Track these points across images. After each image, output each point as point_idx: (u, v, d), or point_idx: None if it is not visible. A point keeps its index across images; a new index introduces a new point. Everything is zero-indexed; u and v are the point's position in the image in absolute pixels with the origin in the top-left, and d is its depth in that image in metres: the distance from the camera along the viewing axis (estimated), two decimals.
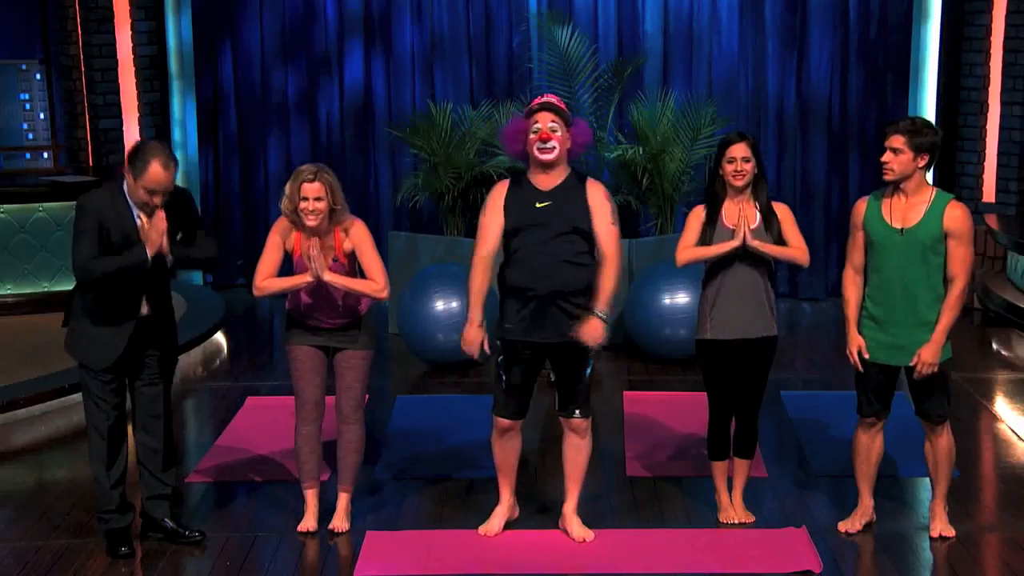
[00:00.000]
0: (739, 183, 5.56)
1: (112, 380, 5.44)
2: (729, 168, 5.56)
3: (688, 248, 5.65)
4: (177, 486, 5.79)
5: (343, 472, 5.80)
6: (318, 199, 5.40)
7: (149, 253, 5.22)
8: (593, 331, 5.35)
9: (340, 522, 5.77)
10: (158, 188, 5.20)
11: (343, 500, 5.81)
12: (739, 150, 5.55)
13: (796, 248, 5.65)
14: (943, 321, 5.36)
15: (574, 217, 5.37)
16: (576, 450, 5.66)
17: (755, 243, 5.53)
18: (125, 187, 5.29)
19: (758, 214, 5.62)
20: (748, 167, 5.55)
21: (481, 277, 5.48)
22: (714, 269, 5.63)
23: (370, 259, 5.51)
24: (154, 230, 5.23)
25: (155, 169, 5.18)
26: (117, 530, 5.55)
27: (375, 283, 5.49)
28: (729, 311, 5.60)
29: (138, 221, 5.29)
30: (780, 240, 5.63)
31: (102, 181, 5.53)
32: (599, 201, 5.43)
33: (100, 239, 5.22)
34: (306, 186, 5.41)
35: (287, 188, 5.47)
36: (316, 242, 5.43)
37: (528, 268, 5.36)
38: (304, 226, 5.47)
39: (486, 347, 5.50)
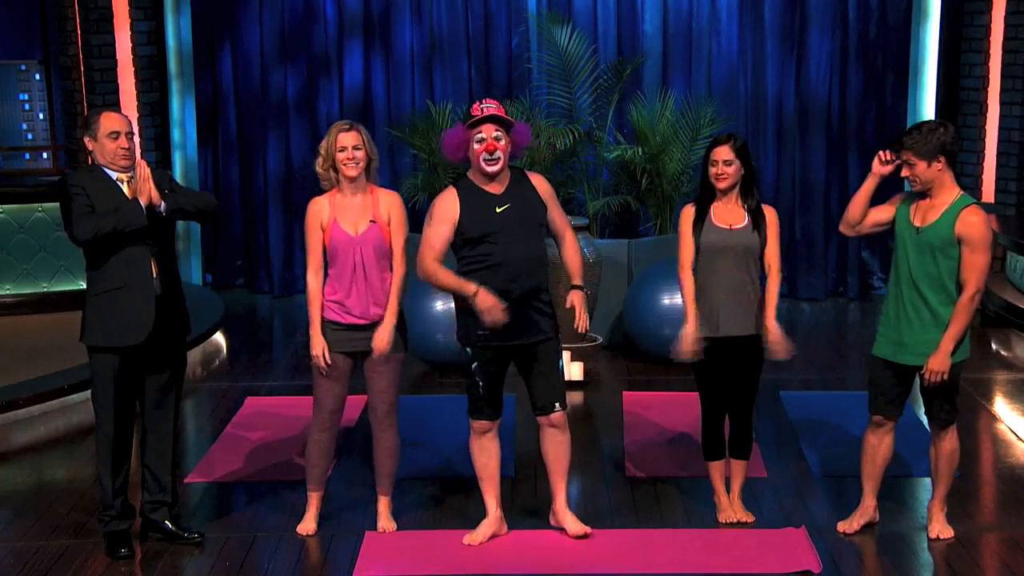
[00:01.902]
0: (721, 185, 5.58)
1: (126, 377, 5.43)
2: (712, 170, 5.59)
3: (689, 267, 5.65)
4: (178, 493, 5.78)
5: (382, 477, 5.78)
6: (356, 148, 5.46)
7: (142, 202, 5.27)
8: (582, 303, 5.48)
9: (387, 523, 5.79)
10: (119, 128, 5.34)
11: (384, 503, 5.81)
12: (721, 153, 5.55)
13: (771, 284, 5.64)
14: (951, 329, 5.32)
15: (534, 215, 5.48)
16: (559, 446, 5.66)
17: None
18: (94, 160, 5.36)
19: (746, 216, 5.61)
20: (729, 170, 5.55)
21: (446, 272, 5.44)
22: (699, 269, 5.64)
23: (399, 233, 5.56)
24: (140, 178, 5.29)
25: (106, 115, 5.37)
26: (117, 532, 5.55)
27: (398, 268, 5.57)
28: (714, 310, 5.61)
29: (121, 185, 5.35)
30: (764, 239, 5.61)
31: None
32: (548, 191, 5.57)
33: (89, 202, 5.26)
34: (343, 135, 5.46)
35: (323, 146, 5.50)
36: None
37: (505, 272, 5.36)
38: (343, 179, 5.48)
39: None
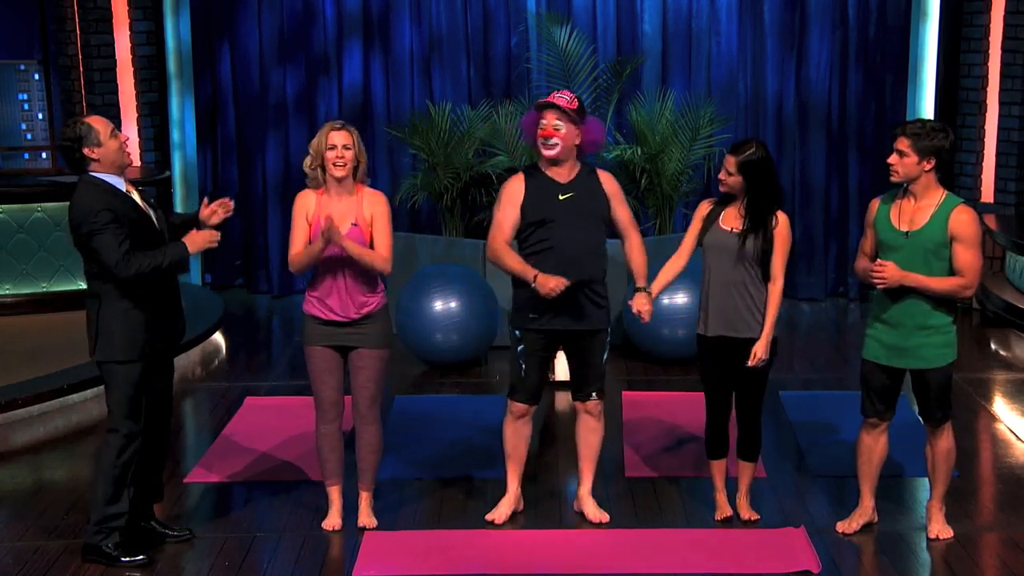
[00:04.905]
0: (722, 189, 5.63)
1: (148, 383, 5.42)
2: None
3: (677, 258, 5.74)
4: (162, 487, 5.78)
5: (364, 472, 5.82)
6: (346, 147, 5.47)
7: (192, 251, 5.36)
8: (645, 305, 5.60)
9: (367, 519, 5.81)
10: (112, 125, 5.35)
11: (365, 499, 5.84)
12: (726, 161, 5.58)
13: (770, 295, 5.59)
14: (933, 282, 5.25)
15: (597, 207, 5.63)
16: (592, 432, 5.85)
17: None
18: (97, 173, 5.29)
19: (744, 224, 5.58)
20: (729, 180, 5.56)
21: (512, 255, 5.58)
22: (707, 266, 5.67)
23: (383, 231, 5.55)
24: (206, 238, 5.41)
25: (95, 119, 5.32)
26: (122, 542, 5.45)
27: (380, 254, 5.52)
28: (717, 309, 5.62)
29: (132, 195, 5.34)
30: (766, 252, 5.55)
31: (67, 188, 5.51)
32: (616, 189, 5.70)
33: (121, 228, 5.19)
34: (334, 133, 5.47)
35: (313, 144, 5.50)
36: (329, 215, 5.43)
37: (558, 258, 5.53)
38: (330, 179, 5.48)
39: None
